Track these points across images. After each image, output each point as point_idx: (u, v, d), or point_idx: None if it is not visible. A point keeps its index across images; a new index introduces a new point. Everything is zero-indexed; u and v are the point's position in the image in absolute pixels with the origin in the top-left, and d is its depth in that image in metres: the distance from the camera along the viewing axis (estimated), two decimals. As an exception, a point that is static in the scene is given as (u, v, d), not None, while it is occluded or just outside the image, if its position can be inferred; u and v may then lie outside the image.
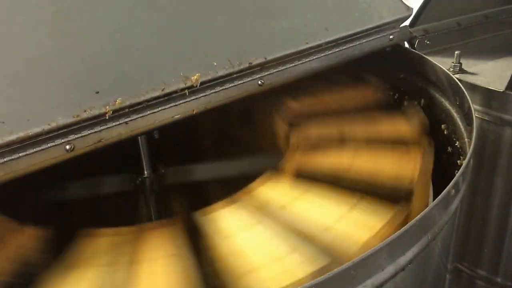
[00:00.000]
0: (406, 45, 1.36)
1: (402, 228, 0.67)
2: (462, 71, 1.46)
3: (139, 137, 1.14)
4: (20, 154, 0.74)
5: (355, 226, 0.77)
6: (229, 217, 0.82)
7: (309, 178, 0.89)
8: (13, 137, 0.72)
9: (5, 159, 0.73)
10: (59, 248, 0.77)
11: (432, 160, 0.93)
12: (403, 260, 0.69)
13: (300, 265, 0.70)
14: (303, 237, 0.75)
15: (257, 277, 0.70)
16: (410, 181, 0.84)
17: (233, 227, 0.80)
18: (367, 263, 0.64)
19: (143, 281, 0.71)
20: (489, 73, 1.47)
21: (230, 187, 0.91)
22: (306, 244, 0.74)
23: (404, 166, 0.88)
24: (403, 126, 1.01)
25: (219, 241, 0.77)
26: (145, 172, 1.20)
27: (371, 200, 0.82)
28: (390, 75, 1.24)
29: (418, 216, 0.69)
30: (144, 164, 1.19)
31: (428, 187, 0.90)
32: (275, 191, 0.87)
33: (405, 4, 1.20)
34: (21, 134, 0.73)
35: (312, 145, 0.98)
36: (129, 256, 0.76)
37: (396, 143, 0.95)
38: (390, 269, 0.67)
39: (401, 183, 0.84)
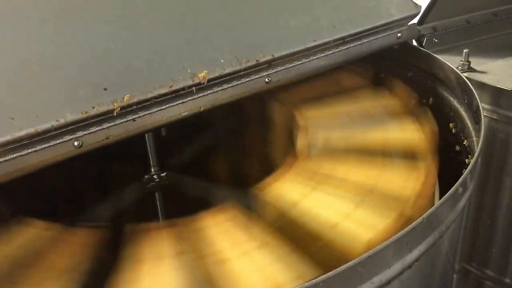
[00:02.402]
0: (414, 43, 1.35)
1: (409, 226, 0.67)
2: (470, 69, 1.45)
3: (146, 135, 1.14)
4: (29, 150, 0.75)
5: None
6: (286, 186, 0.86)
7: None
8: (22, 133, 0.73)
9: (14, 155, 0.74)
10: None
11: (436, 175, 0.91)
12: (410, 257, 0.69)
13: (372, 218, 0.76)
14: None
15: (341, 230, 0.75)
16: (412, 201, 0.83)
17: (294, 193, 0.83)
18: (374, 260, 0.64)
19: (240, 266, 0.71)
20: (498, 71, 1.46)
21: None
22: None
23: (408, 184, 0.86)
24: (412, 135, 0.99)
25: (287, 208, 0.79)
26: (152, 170, 1.20)
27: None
28: (398, 74, 1.24)
29: (426, 214, 0.69)
30: (151, 161, 1.19)
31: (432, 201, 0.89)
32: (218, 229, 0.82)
33: (413, 1, 1.19)
34: (30, 130, 0.73)
35: (318, 150, 0.97)
36: (198, 244, 0.75)
37: (403, 155, 0.93)
38: (397, 267, 0.67)
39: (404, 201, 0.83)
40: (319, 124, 1.03)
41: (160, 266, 0.73)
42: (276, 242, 0.75)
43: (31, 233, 0.80)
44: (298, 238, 0.76)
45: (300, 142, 0.99)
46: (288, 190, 0.86)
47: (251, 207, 0.83)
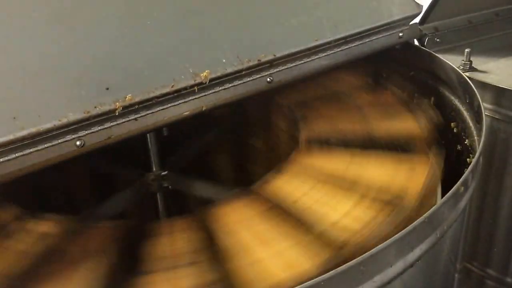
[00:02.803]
0: (416, 42, 1.35)
1: (411, 225, 0.67)
2: (472, 69, 1.45)
3: (148, 134, 1.14)
4: (31, 150, 0.75)
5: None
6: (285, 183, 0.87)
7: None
8: (24, 132, 0.73)
9: (16, 155, 0.74)
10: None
11: (441, 165, 0.91)
12: (411, 257, 0.69)
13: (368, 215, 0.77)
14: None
15: (339, 227, 0.75)
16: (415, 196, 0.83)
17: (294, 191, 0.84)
18: (376, 259, 0.64)
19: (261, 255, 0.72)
20: (499, 71, 1.46)
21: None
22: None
23: (410, 179, 0.86)
24: (413, 127, 1.00)
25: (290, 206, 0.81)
26: (153, 169, 1.20)
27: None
28: (399, 73, 1.24)
29: (427, 213, 0.69)
30: (153, 161, 1.19)
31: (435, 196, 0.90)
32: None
33: (415, 1, 1.19)
34: (33, 129, 0.73)
35: (319, 145, 0.97)
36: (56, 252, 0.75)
37: (403, 148, 0.94)
38: (398, 266, 0.67)
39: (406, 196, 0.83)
40: (320, 122, 1.03)
41: (178, 262, 0.74)
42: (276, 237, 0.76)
43: (46, 226, 0.80)
44: (297, 233, 0.77)
45: (301, 138, 0.99)
46: (289, 187, 0.87)
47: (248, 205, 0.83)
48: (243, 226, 0.79)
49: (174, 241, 0.78)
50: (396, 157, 0.92)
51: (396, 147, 0.95)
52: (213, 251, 0.75)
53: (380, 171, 0.88)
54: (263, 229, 0.78)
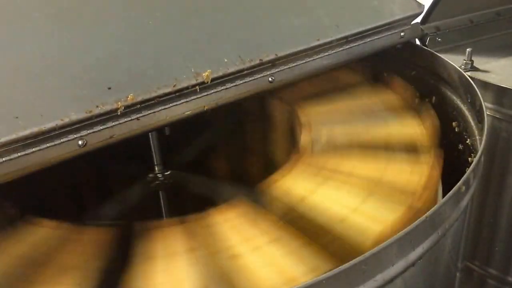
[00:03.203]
0: (418, 42, 1.35)
1: (412, 224, 0.67)
2: (474, 68, 1.45)
3: (150, 134, 1.15)
4: (33, 149, 0.75)
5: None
6: (293, 181, 0.87)
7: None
8: (27, 132, 0.73)
9: (19, 154, 0.74)
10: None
11: (440, 168, 0.91)
12: (413, 256, 0.69)
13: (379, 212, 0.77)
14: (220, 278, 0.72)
15: (350, 224, 0.76)
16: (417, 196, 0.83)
17: (301, 189, 0.84)
18: (378, 258, 0.64)
19: (245, 258, 0.72)
20: (501, 70, 1.46)
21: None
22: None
23: (413, 177, 0.86)
24: (414, 129, 1.00)
25: (139, 262, 0.75)
26: (156, 169, 1.20)
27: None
28: (401, 73, 1.24)
29: (429, 212, 0.69)
30: (155, 160, 1.20)
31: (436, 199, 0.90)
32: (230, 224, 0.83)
33: (416, 1, 1.19)
34: (35, 129, 0.74)
35: (321, 145, 0.97)
36: (49, 255, 0.75)
37: (405, 149, 0.94)
38: (400, 265, 0.67)
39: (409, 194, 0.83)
40: (322, 120, 1.03)
41: (173, 262, 0.73)
42: (287, 237, 0.75)
43: (41, 232, 0.80)
44: (308, 232, 0.76)
45: (304, 138, 0.99)
46: (296, 185, 0.87)
47: (258, 203, 0.83)
48: (249, 225, 0.79)
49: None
50: (400, 155, 0.92)
51: (399, 146, 0.95)
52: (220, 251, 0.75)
53: (382, 171, 0.88)
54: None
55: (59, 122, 0.75)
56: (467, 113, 1.08)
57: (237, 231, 0.78)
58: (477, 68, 1.46)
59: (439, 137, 0.97)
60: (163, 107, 0.85)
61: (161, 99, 0.84)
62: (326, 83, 1.18)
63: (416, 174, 0.86)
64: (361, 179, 0.87)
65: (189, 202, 1.27)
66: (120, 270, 0.72)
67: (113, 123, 0.81)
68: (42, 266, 0.73)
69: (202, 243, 0.76)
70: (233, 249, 0.74)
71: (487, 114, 0.96)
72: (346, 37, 1.06)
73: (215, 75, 0.88)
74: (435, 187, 0.85)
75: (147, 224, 0.81)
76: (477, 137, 1.00)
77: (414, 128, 1.00)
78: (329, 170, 0.90)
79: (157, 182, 1.20)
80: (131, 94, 0.81)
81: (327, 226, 0.77)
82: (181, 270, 0.72)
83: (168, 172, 1.19)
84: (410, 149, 0.94)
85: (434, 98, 1.17)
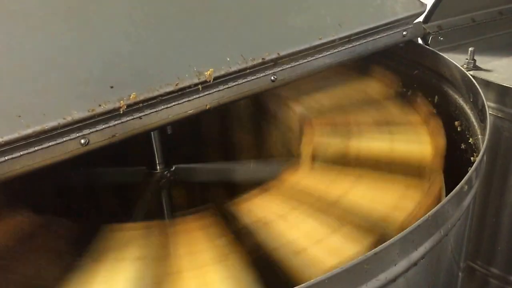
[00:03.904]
0: (420, 41, 1.35)
1: (415, 223, 0.67)
2: (476, 67, 1.45)
3: (152, 132, 1.15)
4: (36, 148, 0.75)
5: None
6: (265, 205, 0.84)
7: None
8: (29, 130, 0.73)
9: (21, 153, 0.74)
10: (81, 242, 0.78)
11: (438, 193, 0.86)
12: (415, 255, 0.69)
13: (343, 244, 0.73)
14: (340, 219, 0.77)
15: (306, 257, 0.72)
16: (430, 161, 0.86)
17: (271, 214, 0.81)
18: (380, 257, 0.64)
19: (187, 274, 0.71)
20: (503, 69, 1.45)
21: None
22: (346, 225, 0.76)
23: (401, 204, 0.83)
24: (419, 148, 0.96)
25: (260, 228, 0.78)
26: (158, 167, 1.20)
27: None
28: (403, 72, 1.24)
29: (431, 212, 0.69)
30: (157, 159, 1.20)
31: None
32: (308, 180, 0.88)
33: (419, 0, 1.19)
34: (37, 127, 0.74)
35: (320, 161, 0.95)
36: (164, 249, 0.76)
37: (407, 171, 0.90)
38: (402, 264, 0.67)
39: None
40: (324, 131, 1.01)
41: (290, 220, 0.77)
42: (234, 259, 0.74)
43: (138, 234, 0.81)
44: (374, 167, 0.82)
45: (304, 151, 0.97)
46: (267, 207, 0.84)
47: (225, 218, 0.83)
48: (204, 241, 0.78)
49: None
50: (398, 177, 0.88)
51: (401, 166, 0.91)
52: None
53: (374, 195, 0.85)
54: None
55: (62, 121, 0.75)
56: (469, 112, 1.08)
57: (319, 184, 0.83)
58: (480, 67, 1.46)
59: (444, 159, 0.93)
60: (165, 106, 0.85)
61: (164, 98, 0.84)
62: (345, 93, 1.16)
63: (407, 200, 0.82)
64: (342, 206, 0.82)
65: (191, 201, 1.27)
66: (248, 240, 0.75)
67: (116, 122, 0.81)
68: (171, 259, 0.74)
69: (299, 200, 0.81)
70: (329, 196, 0.79)
71: (489, 113, 0.96)
72: (348, 36, 1.06)
73: (217, 74, 0.88)
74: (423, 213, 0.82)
75: (112, 226, 0.81)
76: (480, 137, 1.00)
77: (420, 148, 0.95)
78: (310, 194, 0.86)
79: (159, 180, 1.20)
80: (134, 93, 0.81)
81: (385, 159, 0.82)
82: (305, 223, 0.76)
83: (173, 168, 1.19)
84: (411, 171, 0.89)
85: (436, 97, 1.17)
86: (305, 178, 0.87)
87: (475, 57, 1.45)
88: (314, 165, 0.92)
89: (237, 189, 1.06)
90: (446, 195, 0.74)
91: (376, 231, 0.76)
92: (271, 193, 0.85)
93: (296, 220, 0.80)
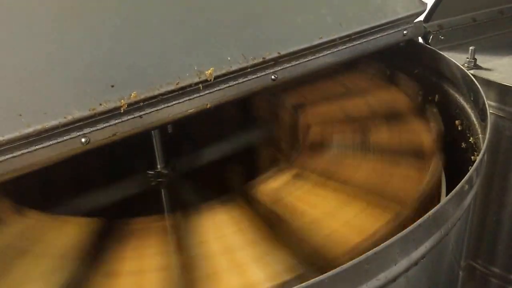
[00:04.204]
0: (420, 40, 1.35)
1: (416, 223, 0.67)
2: (476, 66, 1.45)
3: (152, 131, 1.15)
4: (36, 147, 0.75)
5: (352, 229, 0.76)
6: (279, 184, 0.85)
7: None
8: (30, 129, 0.73)
9: (22, 152, 0.74)
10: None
11: (440, 174, 0.89)
12: (416, 254, 0.69)
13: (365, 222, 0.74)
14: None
15: (330, 235, 0.73)
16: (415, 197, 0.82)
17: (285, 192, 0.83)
18: (380, 257, 0.64)
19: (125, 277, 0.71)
20: (504, 69, 1.45)
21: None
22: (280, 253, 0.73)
23: (410, 184, 0.84)
24: (417, 134, 0.98)
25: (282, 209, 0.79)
26: (158, 166, 1.20)
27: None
28: (404, 71, 1.23)
29: (432, 211, 0.69)
30: (157, 158, 1.20)
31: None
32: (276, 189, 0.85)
33: (419, -1, 1.19)
34: (38, 126, 0.74)
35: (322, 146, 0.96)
36: (111, 249, 0.76)
37: (408, 154, 0.92)
38: (403, 263, 0.67)
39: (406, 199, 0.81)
40: (324, 122, 1.03)
41: (142, 264, 0.73)
42: (260, 239, 0.75)
43: (26, 222, 0.80)
44: (285, 236, 0.75)
45: (305, 138, 0.99)
46: (282, 188, 0.85)
47: (243, 203, 0.83)
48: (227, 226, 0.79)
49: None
50: (401, 160, 0.90)
51: (402, 150, 0.93)
52: None
53: (384, 175, 0.87)
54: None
55: (62, 120, 0.75)
56: (470, 111, 1.07)
57: (213, 231, 0.78)
58: (480, 66, 1.46)
59: (442, 143, 0.95)
60: (166, 105, 0.85)
61: (164, 97, 0.84)
62: (336, 86, 1.17)
63: (413, 180, 0.84)
64: (353, 184, 0.84)
65: (191, 199, 1.27)
66: (91, 265, 0.72)
67: (116, 121, 0.81)
68: (23, 255, 0.73)
69: (175, 245, 0.76)
70: (204, 248, 0.74)
71: (490, 113, 0.96)
72: (349, 35, 1.06)
73: (218, 73, 0.88)
74: (433, 195, 0.84)
75: (129, 221, 0.80)
76: (480, 136, 1.00)
77: (418, 134, 0.98)
78: (322, 173, 0.88)
79: (160, 179, 1.20)
80: (134, 92, 0.81)
81: (303, 231, 0.76)
82: (148, 276, 0.72)
83: (171, 170, 1.19)
84: (413, 154, 0.92)
85: (437, 96, 1.17)
86: (313, 159, 0.88)
87: (475, 56, 1.45)
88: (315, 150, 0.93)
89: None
90: (447, 194, 0.74)
91: (391, 208, 0.78)
92: (284, 175, 0.86)
93: (312, 198, 0.82)
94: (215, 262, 0.72)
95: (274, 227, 0.77)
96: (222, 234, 0.77)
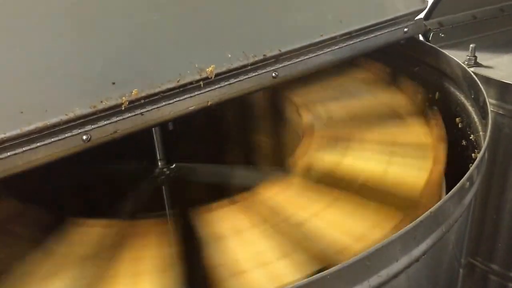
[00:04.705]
0: (421, 38, 1.35)
1: (417, 220, 0.67)
2: (477, 64, 1.45)
3: (153, 129, 1.15)
4: (38, 144, 0.75)
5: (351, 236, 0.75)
6: (226, 218, 0.81)
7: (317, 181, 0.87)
8: (31, 127, 0.73)
9: (23, 149, 0.74)
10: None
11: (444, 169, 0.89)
12: (417, 251, 0.69)
13: (288, 271, 0.69)
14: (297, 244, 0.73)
15: (242, 280, 0.69)
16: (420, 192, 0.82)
17: (227, 229, 0.78)
18: (382, 253, 0.64)
19: (122, 280, 0.71)
20: (504, 66, 1.46)
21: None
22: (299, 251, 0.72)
23: (416, 176, 0.85)
24: (419, 138, 0.98)
25: (211, 242, 0.75)
26: (159, 164, 1.21)
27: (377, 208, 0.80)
28: (404, 69, 1.24)
29: (433, 208, 0.69)
30: (158, 155, 1.20)
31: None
32: (281, 197, 0.84)
33: (420, -4, 1.19)
34: (39, 124, 0.74)
35: (325, 143, 0.96)
36: (113, 251, 0.76)
37: (411, 150, 0.93)
38: (404, 260, 0.67)
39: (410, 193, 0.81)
40: (325, 120, 1.03)
41: (245, 238, 0.75)
42: (339, 200, 0.79)
43: (95, 231, 0.80)
44: (357, 191, 0.79)
45: (305, 117, 1.01)
46: (322, 156, 0.90)
47: (295, 177, 0.86)
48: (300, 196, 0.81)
49: None
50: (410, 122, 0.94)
51: (405, 151, 0.93)
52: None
53: (342, 221, 0.82)
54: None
55: (64, 117, 0.75)
56: (470, 109, 1.08)
57: (291, 202, 0.81)
58: (481, 64, 1.46)
59: (444, 145, 0.94)
60: (167, 102, 0.85)
61: (165, 94, 0.84)
62: (336, 85, 1.17)
63: (415, 179, 0.84)
64: (378, 142, 0.91)
65: (193, 197, 1.27)
66: (195, 252, 0.73)
67: (117, 118, 0.81)
68: (114, 261, 0.74)
69: (263, 217, 0.78)
70: (295, 217, 0.77)
71: (490, 110, 0.96)
72: (349, 33, 1.06)
73: (218, 71, 0.88)
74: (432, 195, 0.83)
75: (199, 208, 0.82)
76: (481, 133, 1.00)
77: (419, 138, 0.97)
78: (344, 138, 0.93)
79: (161, 177, 1.20)
80: (135, 89, 0.81)
81: (372, 183, 0.80)
82: (257, 243, 0.74)
83: (174, 165, 1.19)
84: (414, 152, 0.92)
85: (437, 94, 1.17)
86: (280, 194, 0.83)
87: (476, 54, 1.45)
88: (296, 180, 0.88)
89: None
90: (448, 192, 0.74)
91: (325, 260, 0.71)
92: (239, 205, 0.82)
93: (251, 239, 0.76)
94: (311, 226, 0.74)
95: (343, 188, 0.80)
96: (302, 205, 0.80)
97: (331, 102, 1.08)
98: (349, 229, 0.74)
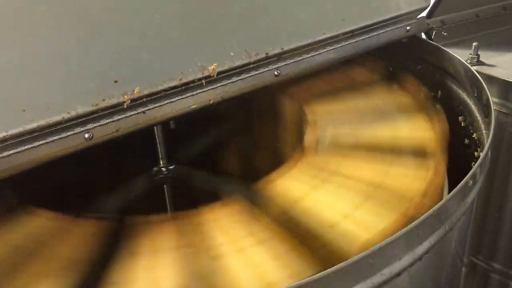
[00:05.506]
0: (423, 36, 1.35)
1: (420, 218, 0.67)
2: (479, 63, 1.45)
3: (155, 127, 1.15)
4: (40, 142, 0.75)
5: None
6: (290, 182, 0.85)
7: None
8: (33, 125, 0.73)
9: (25, 147, 0.74)
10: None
11: (444, 174, 0.89)
12: (420, 250, 0.69)
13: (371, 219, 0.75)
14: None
15: (341, 228, 0.74)
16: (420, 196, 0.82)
17: (297, 191, 0.83)
18: (385, 252, 0.64)
19: (235, 262, 0.71)
20: (507, 65, 1.45)
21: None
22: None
23: (415, 184, 0.84)
24: (422, 133, 0.97)
25: (124, 256, 0.74)
26: (161, 162, 1.20)
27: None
28: (406, 67, 1.23)
29: (436, 206, 0.69)
30: (160, 154, 1.20)
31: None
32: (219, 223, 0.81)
33: (422, -6, 1.19)
34: (42, 122, 0.74)
35: (326, 145, 0.96)
36: (36, 245, 0.75)
37: (412, 153, 0.92)
38: (407, 259, 0.67)
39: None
40: (328, 119, 1.02)
41: (156, 259, 0.73)
42: (275, 240, 0.74)
43: (37, 222, 0.80)
44: (296, 236, 0.75)
45: (308, 137, 0.98)
46: (292, 186, 0.85)
47: (256, 202, 0.82)
48: (238, 225, 0.78)
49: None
50: (405, 159, 0.90)
51: (406, 149, 0.93)
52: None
53: (384, 175, 0.86)
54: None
55: (66, 115, 0.75)
56: (473, 107, 1.07)
57: (225, 231, 0.77)
58: (483, 62, 1.45)
59: (447, 142, 0.94)
60: (169, 101, 0.86)
61: (167, 92, 0.84)
62: (338, 81, 1.17)
63: (418, 180, 0.84)
64: (360, 182, 0.84)
65: (193, 197, 1.27)
66: (105, 264, 0.72)
67: (119, 117, 0.81)
68: (33, 257, 0.73)
69: (189, 241, 0.75)
70: (218, 249, 0.73)
71: (493, 109, 0.96)
72: (352, 31, 1.06)
73: (221, 69, 0.88)
74: (436, 194, 0.83)
75: (139, 219, 0.80)
76: (484, 132, 1.00)
77: (423, 132, 0.97)
78: (329, 172, 0.88)
79: (162, 176, 1.20)
80: (137, 88, 0.81)
81: (317, 231, 0.75)
82: (163, 268, 0.71)
83: (173, 166, 1.19)
84: (417, 153, 0.91)
85: (440, 92, 1.17)
86: (220, 220, 0.81)
87: (479, 52, 1.45)
88: (246, 207, 0.84)
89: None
90: (450, 190, 0.74)
91: (398, 207, 0.78)
92: (176, 223, 0.80)
93: (161, 262, 0.74)
94: (228, 262, 0.71)
95: (288, 229, 0.76)
96: (233, 236, 0.76)
97: (343, 124, 1.02)
98: (264, 273, 0.70)
